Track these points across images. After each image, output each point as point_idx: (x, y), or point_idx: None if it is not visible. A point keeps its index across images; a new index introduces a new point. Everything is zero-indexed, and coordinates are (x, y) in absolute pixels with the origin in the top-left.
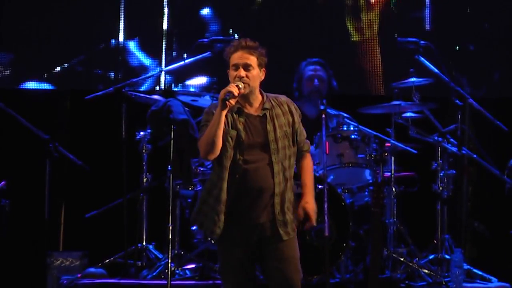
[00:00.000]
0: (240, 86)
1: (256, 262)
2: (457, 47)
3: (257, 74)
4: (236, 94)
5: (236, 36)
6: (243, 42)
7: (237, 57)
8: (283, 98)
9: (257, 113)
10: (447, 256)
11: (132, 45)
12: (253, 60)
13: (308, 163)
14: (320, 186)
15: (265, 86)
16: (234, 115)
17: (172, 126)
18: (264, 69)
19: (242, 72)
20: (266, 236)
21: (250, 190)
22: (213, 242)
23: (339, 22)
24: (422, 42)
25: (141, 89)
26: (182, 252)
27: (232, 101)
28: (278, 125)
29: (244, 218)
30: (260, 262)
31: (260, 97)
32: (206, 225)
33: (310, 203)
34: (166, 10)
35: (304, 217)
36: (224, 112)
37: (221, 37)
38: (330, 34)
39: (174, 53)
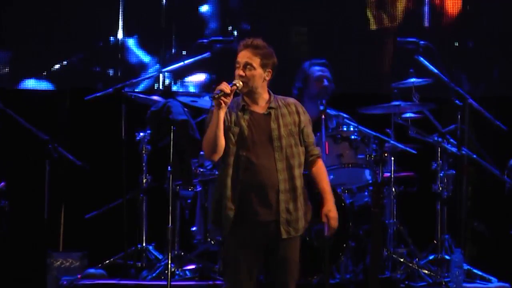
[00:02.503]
0: (238, 84)
1: (261, 263)
2: (456, 43)
3: (259, 74)
4: (227, 91)
5: (235, 33)
6: (249, 41)
7: (240, 56)
8: (291, 100)
9: (262, 111)
10: (447, 256)
11: (131, 42)
12: (255, 60)
13: (322, 169)
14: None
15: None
16: (239, 112)
17: (172, 126)
18: (270, 70)
19: (241, 71)
20: (270, 233)
21: (254, 186)
22: (212, 243)
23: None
24: (421, 42)
25: (140, 88)
26: (182, 253)
27: (226, 99)
28: (283, 123)
29: (250, 216)
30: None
31: (266, 97)
32: (218, 221)
33: (332, 210)
34: (165, 7)
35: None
36: (221, 112)
37: (221, 37)
38: (336, 31)
39: (173, 50)
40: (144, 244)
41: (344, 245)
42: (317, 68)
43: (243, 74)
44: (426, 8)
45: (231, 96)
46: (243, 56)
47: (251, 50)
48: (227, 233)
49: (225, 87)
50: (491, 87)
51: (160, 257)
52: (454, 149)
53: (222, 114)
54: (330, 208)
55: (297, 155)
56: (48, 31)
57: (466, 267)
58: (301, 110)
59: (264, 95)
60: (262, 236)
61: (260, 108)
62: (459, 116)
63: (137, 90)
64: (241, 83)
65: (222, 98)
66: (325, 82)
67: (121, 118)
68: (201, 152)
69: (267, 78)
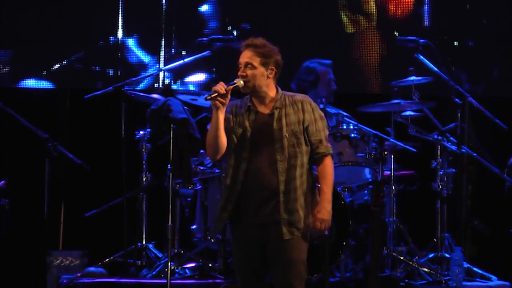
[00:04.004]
0: (238, 83)
1: (266, 262)
2: (456, 43)
3: (261, 73)
4: (221, 92)
5: (235, 33)
6: (249, 40)
7: (242, 56)
8: (299, 96)
9: (267, 111)
10: (447, 255)
11: (131, 42)
12: (255, 59)
13: (325, 169)
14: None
15: None
16: (245, 113)
17: (172, 125)
18: (273, 67)
19: (243, 70)
20: (271, 235)
21: (255, 187)
22: (212, 241)
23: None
24: (421, 40)
25: (140, 87)
26: (182, 251)
27: (222, 99)
28: (286, 123)
29: (249, 215)
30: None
31: (272, 95)
32: (215, 221)
33: (321, 212)
34: (164, 6)
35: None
36: (219, 112)
37: (220, 36)
38: (329, 28)
39: (173, 50)
40: (144, 243)
41: (344, 244)
42: (327, 69)
43: (244, 74)
44: (426, 8)
45: (228, 96)
46: (244, 56)
47: (251, 49)
48: (219, 233)
49: (219, 88)
50: (491, 87)
51: (160, 255)
52: (454, 148)
53: (220, 115)
54: (319, 208)
55: (300, 154)
56: (48, 30)
57: (466, 265)
58: (307, 108)
59: (270, 94)
60: (261, 237)
61: (265, 107)
62: (459, 115)
63: (137, 89)
64: (242, 82)
65: (218, 98)
66: (334, 86)
67: (121, 116)
68: (201, 151)
69: (271, 76)
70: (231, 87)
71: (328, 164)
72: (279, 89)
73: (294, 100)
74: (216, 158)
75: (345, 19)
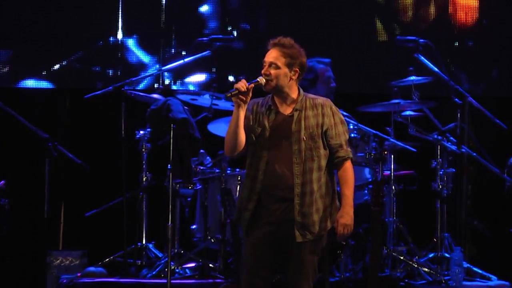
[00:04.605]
0: (260, 81)
1: (277, 264)
2: (456, 43)
3: (284, 73)
4: (242, 90)
5: (235, 33)
6: (277, 39)
7: (267, 55)
8: (320, 100)
9: (287, 112)
10: (446, 255)
11: (130, 42)
12: (280, 59)
13: (345, 174)
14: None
15: None
16: (265, 112)
17: (172, 125)
18: (297, 69)
19: (266, 69)
20: (284, 234)
21: (273, 187)
22: (212, 241)
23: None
24: (421, 40)
25: (139, 87)
26: (182, 251)
27: (243, 97)
28: (304, 126)
29: (265, 214)
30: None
31: (294, 97)
32: (238, 220)
33: (344, 217)
34: (164, 7)
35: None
36: (240, 110)
37: (220, 36)
38: (329, 28)
39: (172, 50)
40: (144, 242)
41: (344, 244)
42: (327, 68)
43: (268, 73)
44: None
45: (250, 94)
46: (269, 55)
47: (277, 49)
48: (244, 233)
49: (241, 85)
50: (490, 87)
51: (160, 255)
52: (454, 148)
53: (241, 112)
54: (342, 213)
55: (317, 158)
56: (48, 30)
57: (466, 265)
58: (327, 112)
59: (292, 95)
60: (275, 235)
61: (286, 108)
62: (458, 114)
63: (137, 89)
64: (264, 80)
65: (239, 96)
66: (333, 84)
67: (121, 116)
68: (201, 151)
69: (294, 78)
70: (253, 85)
71: (349, 168)
72: (301, 91)
73: (315, 103)
74: (233, 155)
75: (346, 19)
